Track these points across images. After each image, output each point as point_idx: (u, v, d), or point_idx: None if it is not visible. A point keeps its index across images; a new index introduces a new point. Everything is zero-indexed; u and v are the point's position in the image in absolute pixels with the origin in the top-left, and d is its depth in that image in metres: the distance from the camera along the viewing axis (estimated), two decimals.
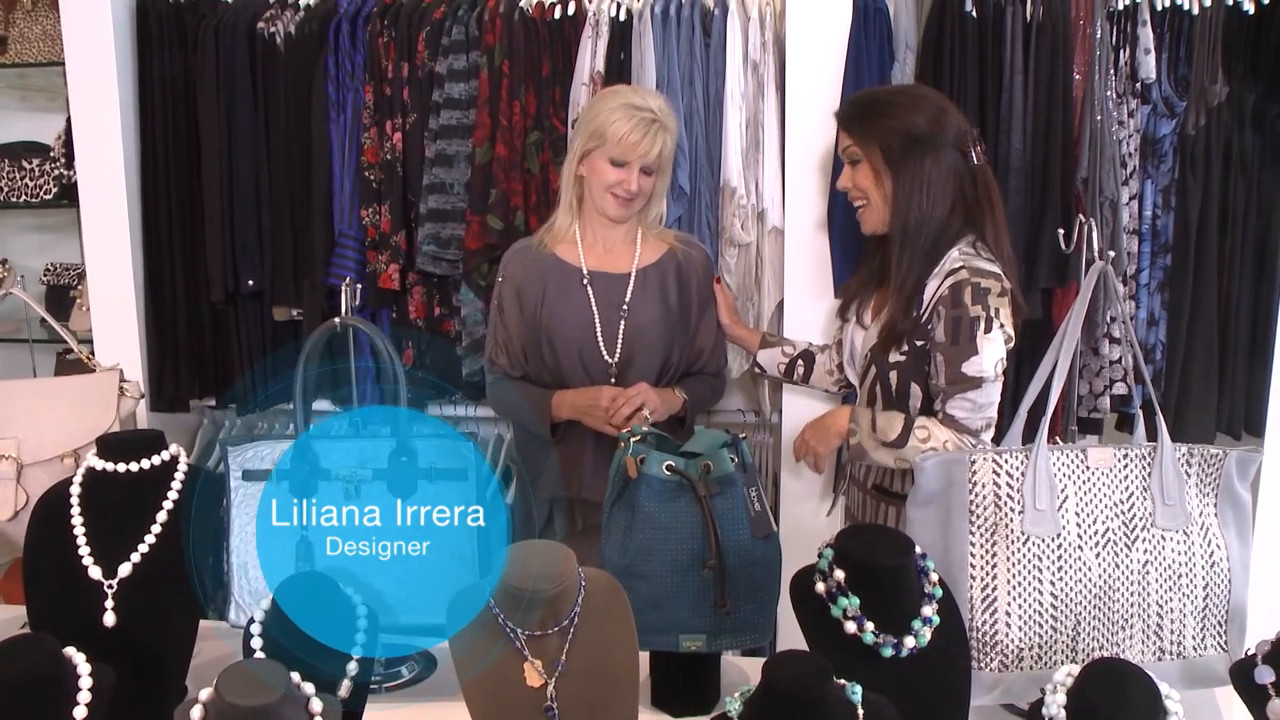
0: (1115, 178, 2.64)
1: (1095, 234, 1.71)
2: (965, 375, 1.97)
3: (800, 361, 2.49)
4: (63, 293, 3.69)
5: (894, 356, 2.08)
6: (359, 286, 1.99)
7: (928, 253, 2.04)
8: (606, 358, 2.38)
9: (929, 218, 2.03)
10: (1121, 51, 2.66)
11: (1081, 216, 1.76)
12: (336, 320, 1.82)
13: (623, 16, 2.84)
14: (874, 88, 2.53)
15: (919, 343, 2.04)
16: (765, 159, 2.81)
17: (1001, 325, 1.97)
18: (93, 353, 2.95)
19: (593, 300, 2.38)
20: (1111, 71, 2.65)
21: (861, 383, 2.21)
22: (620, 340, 2.38)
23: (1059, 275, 2.65)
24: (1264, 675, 1.40)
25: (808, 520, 2.84)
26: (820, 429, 2.23)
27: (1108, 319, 2.65)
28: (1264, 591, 2.66)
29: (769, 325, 2.87)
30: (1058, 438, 1.76)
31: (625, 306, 2.39)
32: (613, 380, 2.37)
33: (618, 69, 2.83)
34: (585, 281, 2.39)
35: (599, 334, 2.38)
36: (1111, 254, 1.67)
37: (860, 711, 1.27)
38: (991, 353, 1.96)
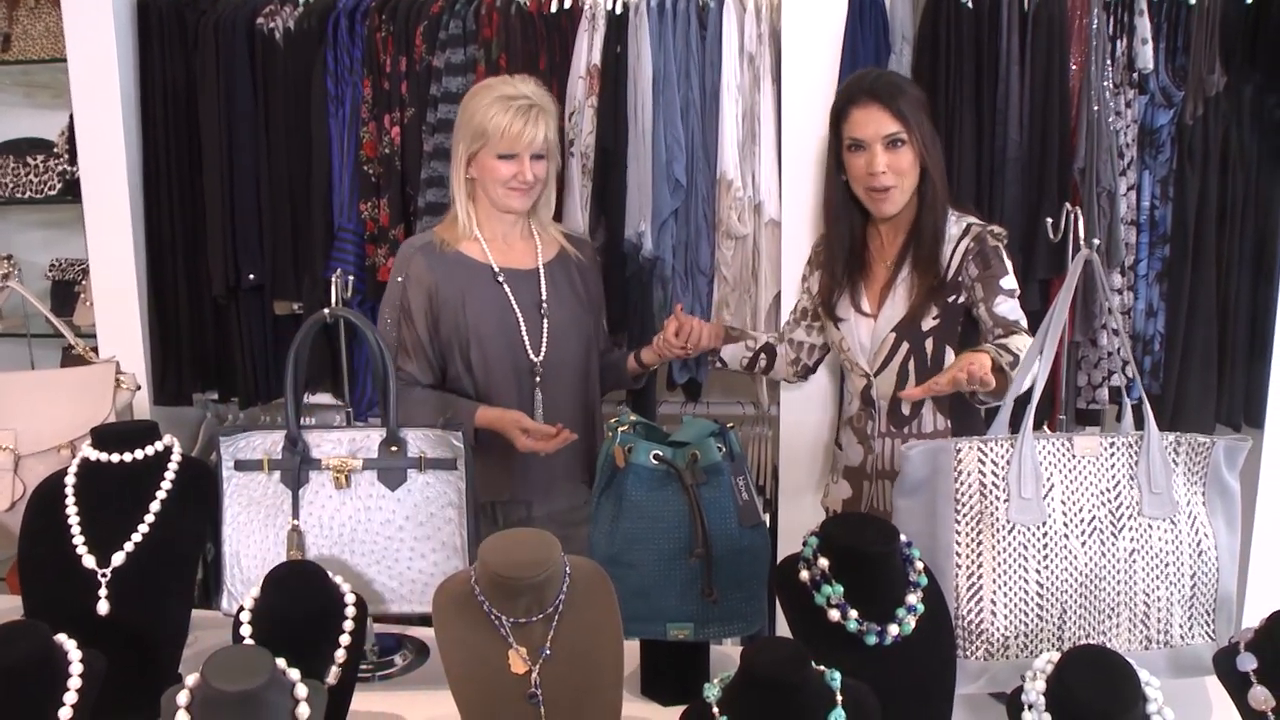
0: (1113, 168, 2.63)
1: (1081, 222, 1.71)
2: (1003, 288, 2.13)
3: (763, 355, 2.51)
4: (68, 288, 3.72)
5: (927, 324, 2.18)
6: (351, 278, 1.99)
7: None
8: (531, 356, 2.35)
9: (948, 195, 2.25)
10: (1118, 41, 2.65)
11: (1070, 205, 1.75)
12: (326, 311, 1.83)
13: (619, 10, 2.84)
14: (877, 70, 2.51)
15: (950, 298, 2.17)
16: (761, 151, 2.81)
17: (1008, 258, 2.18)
18: (96, 348, 2.97)
19: (511, 297, 2.35)
20: (1108, 62, 2.64)
21: (883, 367, 2.24)
22: (545, 338, 2.36)
23: (1056, 266, 2.64)
24: (1246, 663, 1.40)
25: (806, 512, 2.84)
26: (977, 362, 1.89)
27: (1106, 310, 2.65)
28: (1266, 582, 2.66)
29: (766, 317, 2.88)
30: (1046, 427, 1.76)
31: (544, 304, 2.36)
32: (538, 380, 2.34)
33: (614, 62, 2.84)
34: (500, 279, 2.35)
35: (524, 332, 2.34)
36: (1096, 241, 1.66)
37: (839, 698, 1.28)
38: (1011, 271, 2.17)
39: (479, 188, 2.34)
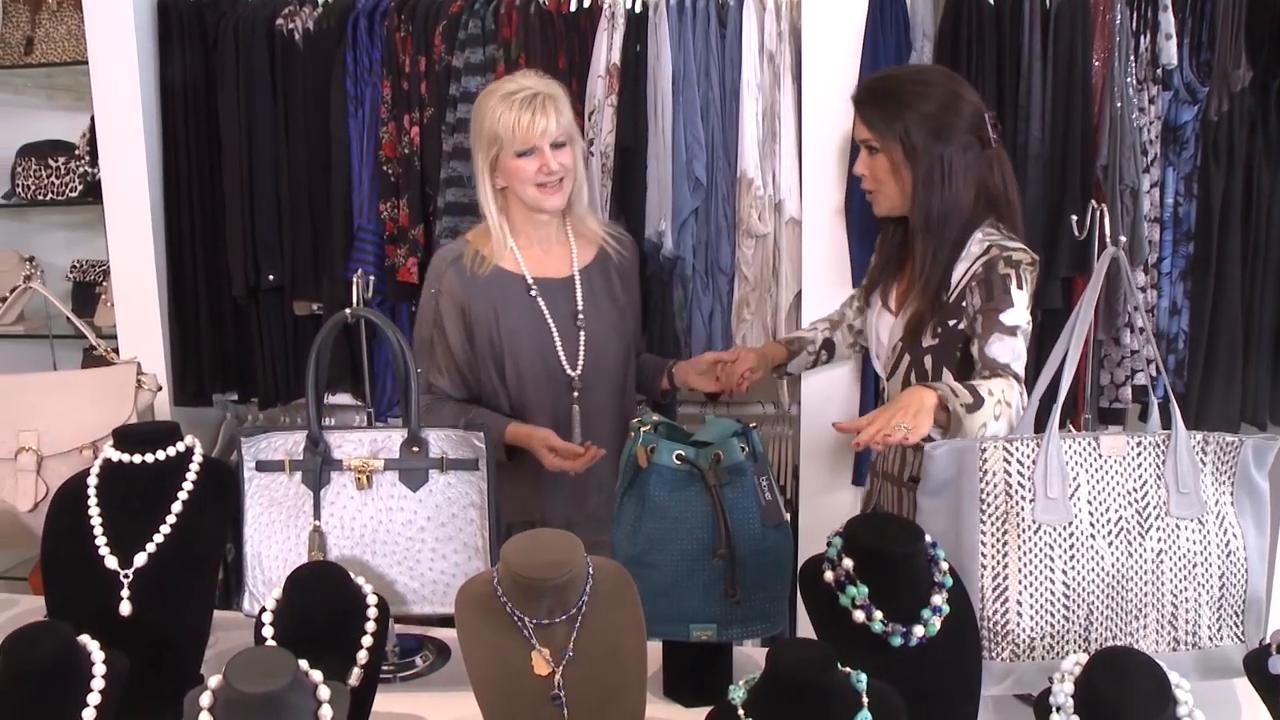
0: (1136, 165, 2.61)
1: (1108, 220, 1.69)
2: (1003, 324, 1.93)
3: (824, 351, 2.41)
4: (89, 289, 3.73)
5: (927, 341, 2.05)
6: (372, 278, 1.98)
7: (954, 242, 2.02)
8: (569, 371, 2.28)
9: (953, 209, 2.01)
10: (1142, 37, 2.63)
11: (1095, 203, 1.73)
12: (348, 311, 1.82)
13: (638, 8, 2.84)
14: (888, 70, 2.44)
15: (951, 322, 2.01)
16: (782, 149, 2.81)
17: (1025, 286, 1.96)
18: (117, 348, 2.99)
19: (545, 310, 2.28)
20: (1132, 57, 2.62)
21: (892, 373, 2.15)
22: (581, 352, 2.29)
23: (1079, 264, 2.62)
24: (1278, 665, 1.39)
25: (827, 512, 2.83)
26: (912, 408, 1.84)
27: (1130, 308, 2.63)
28: None
29: (787, 316, 2.87)
30: (1071, 426, 1.74)
31: (580, 315, 2.29)
32: (575, 394, 2.28)
33: (634, 61, 2.84)
34: (533, 292, 2.27)
35: (559, 347, 2.28)
36: (1124, 239, 1.64)
37: (865, 699, 1.26)
38: (1022, 303, 1.95)
39: (509, 195, 2.26)
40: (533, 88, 2.19)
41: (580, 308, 2.30)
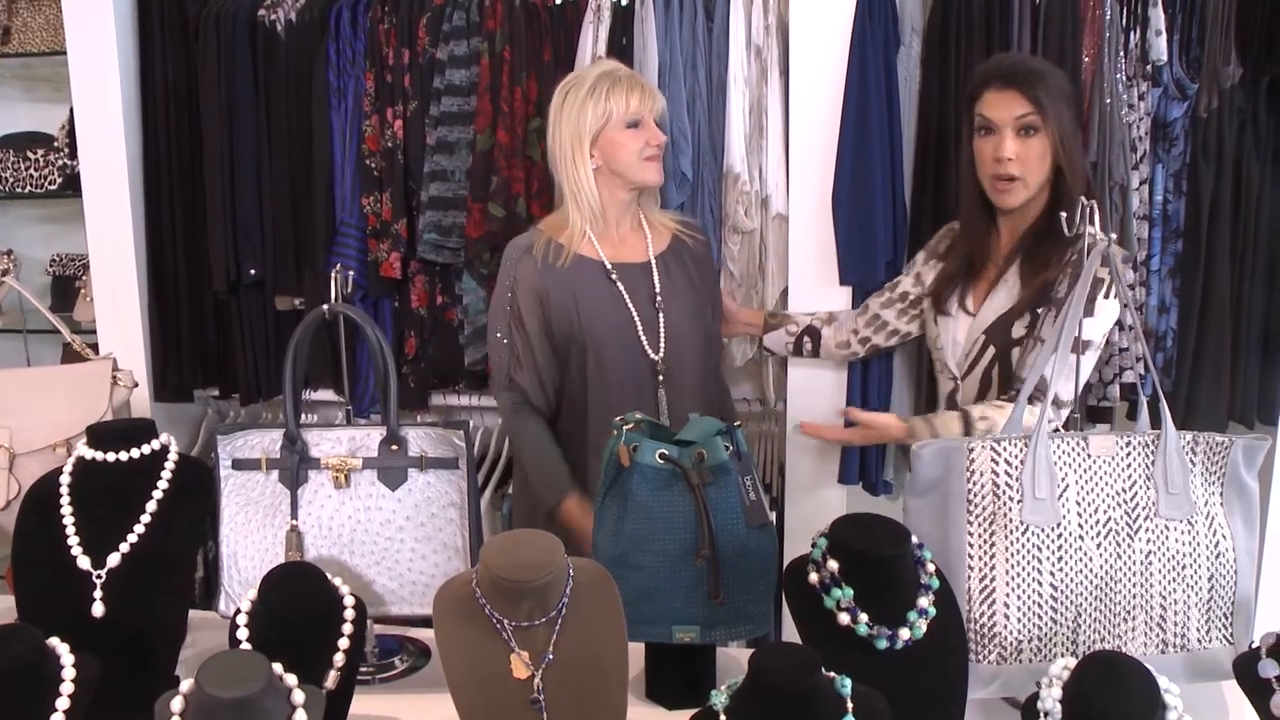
0: (1125, 162, 2.59)
1: (1097, 215, 1.67)
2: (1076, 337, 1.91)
3: (806, 338, 2.45)
4: (68, 283, 3.68)
5: (1017, 330, 2.07)
6: (351, 273, 1.95)
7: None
8: (651, 355, 2.29)
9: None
10: (1131, 33, 2.60)
11: (1085, 199, 1.71)
12: (325, 307, 1.79)
13: (624, 1, 2.80)
14: (1019, 54, 2.48)
15: (1040, 310, 2.05)
16: (769, 144, 2.78)
17: (1116, 295, 1.98)
18: (96, 344, 2.95)
19: (625, 295, 2.29)
20: (1121, 53, 2.60)
21: (970, 370, 2.16)
22: (663, 336, 2.30)
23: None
24: (1268, 669, 1.37)
25: (812, 512, 2.81)
26: (874, 439, 2.24)
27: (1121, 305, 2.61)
28: (1276, 584, 2.63)
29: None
30: (1060, 426, 1.72)
31: (659, 299, 2.30)
32: (660, 379, 2.27)
33: (620, 54, 2.80)
34: (613, 276, 2.29)
35: (640, 331, 2.28)
36: (1114, 235, 1.62)
37: (850, 704, 1.24)
38: (1104, 320, 1.99)
39: (604, 176, 2.27)
40: (628, 71, 2.29)
41: (658, 290, 2.31)
